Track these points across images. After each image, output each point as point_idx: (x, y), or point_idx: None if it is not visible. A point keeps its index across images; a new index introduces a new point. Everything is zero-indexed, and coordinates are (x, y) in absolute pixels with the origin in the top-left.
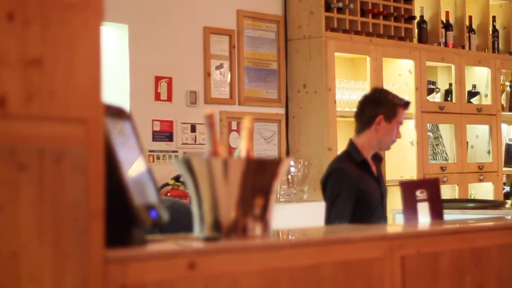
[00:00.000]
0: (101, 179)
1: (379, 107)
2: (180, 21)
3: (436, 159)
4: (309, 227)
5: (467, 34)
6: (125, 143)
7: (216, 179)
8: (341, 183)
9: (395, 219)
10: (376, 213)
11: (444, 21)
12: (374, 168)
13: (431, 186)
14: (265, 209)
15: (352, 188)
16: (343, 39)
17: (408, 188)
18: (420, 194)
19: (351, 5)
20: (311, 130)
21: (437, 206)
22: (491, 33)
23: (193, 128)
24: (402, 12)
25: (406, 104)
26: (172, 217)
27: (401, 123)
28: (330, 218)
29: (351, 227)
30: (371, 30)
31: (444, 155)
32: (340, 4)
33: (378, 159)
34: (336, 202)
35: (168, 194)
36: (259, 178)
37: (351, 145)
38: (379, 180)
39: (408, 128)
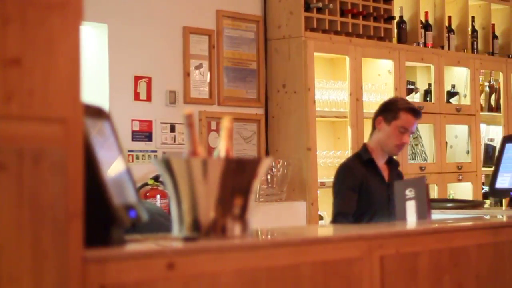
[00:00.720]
0: (80, 179)
1: (381, 108)
2: (159, 21)
3: (415, 159)
4: (288, 227)
5: (446, 35)
6: (104, 143)
7: (195, 179)
8: (344, 179)
9: None
10: (380, 213)
11: (424, 21)
12: (386, 173)
13: (418, 184)
14: (244, 209)
15: (355, 183)
16: (323, 39)
17: (400, 187)
18: (409, 192)
19: (331, 5)
20: (290, 130)
21: (425, 205)
22: (470, 33)
23: (172, 128)
24: (382, 12)
25: (409, 109)
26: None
27: (405, 129)
28: (334, 212)
29: (330, 227)
30: (350, 30)
31: (423, 155)
32: (320, 4)
33: (394, 164)
34: (339, 197)
35: (148, 194)
36: (238, 178)
37: (363, 147)
38: (389, 184)
39: None
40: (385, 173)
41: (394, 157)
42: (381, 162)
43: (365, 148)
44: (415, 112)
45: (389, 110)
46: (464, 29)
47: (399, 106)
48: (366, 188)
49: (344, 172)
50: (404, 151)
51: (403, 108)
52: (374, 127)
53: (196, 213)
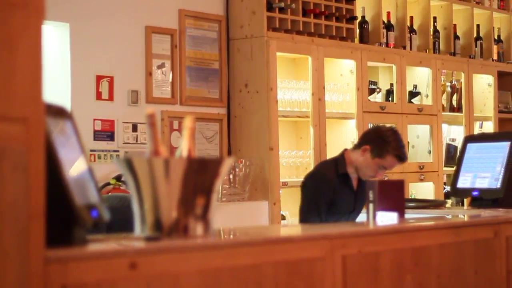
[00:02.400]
0: (42, 178)
1: (375, 139)
2: (121, 20)
3: None
4: (250, 227)
5: (408, 35)
6: (66, 142)
7: (158, 178)
8: (317, 188)
9: None
10: (341, 222)
11: (386, 22)
12: (356, 181)
13: (397, 186)
14: (206, 208)
15: (328, 194)
16: (285, 39)
17: (381, 187)
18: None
19: (293, 5)
20: (252, 130)
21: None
22: (432, 33)
23: (134, 128)
24: (344, 12)
25: (397, 156)
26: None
27: (385, 168)
28: (302, 217)
29: (293, 227)
30: (312, 30)
31: None
32: (282, 4)
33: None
34: (310, 204)
35: (109, 193)
36: (200, 177)
37: (342, 155)
38: (357, 195)
39: (349, 128)
40: (355, 181)
41: None
42: (354, 174)
43: (343, 157)
44: (402, 159)
45: (379, 147)
46: (426, 30)
47: (390, 150)
48: (334, 200)
49: (319, 182)
50: None
51: (393, 153)
52: (359, 146)
53: (158, 213)
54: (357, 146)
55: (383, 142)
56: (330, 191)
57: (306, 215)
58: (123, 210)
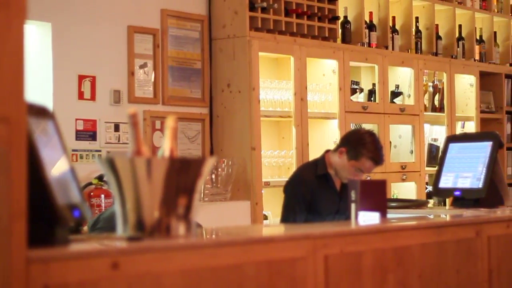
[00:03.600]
0: (23, 178)
1: (351, 142)
2: (104, 20)
3: None
4: (232, 227)
5: (391, 35)
6: (48, 142)
7: (140, 178)
8: (297, 191)
9: None
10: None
11: (368, 22)
12: (338, 183)
13: (379, 186)
14: (188, 208)
15: (306, 196)
16: (267, 39)
17: (363, 187)
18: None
19: (275, 5)
20: (235, 130)
21: (382, 205)
22: (414, 33)
23: (116, 127)
24: (326, 13)
25: (372, 159)
26: None
27: (361, 170)
28: (281, 219)
29: (275, 227)
30: (295, 30)
31: None
32: (264, 4)
33: None
34: (290, 207)
35: (92, 193)
36: (182, 177)
37: (323, 157)
38: (341, 196)
39: (331, 128)
40: (337, 182)
41: None
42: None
43: (323, 160)
44: (378, 162)
45: (354, 149)
46: (408, 30)
47: (364, 152)
48: (315, 202)
49: (299, 185)
50: None
51: (368, 156)
52: (338, 148)
53: (140, 213)
54: (336, 148)
55: (359, 144)
56: (308, 193)
57: (284, 217)
58: None
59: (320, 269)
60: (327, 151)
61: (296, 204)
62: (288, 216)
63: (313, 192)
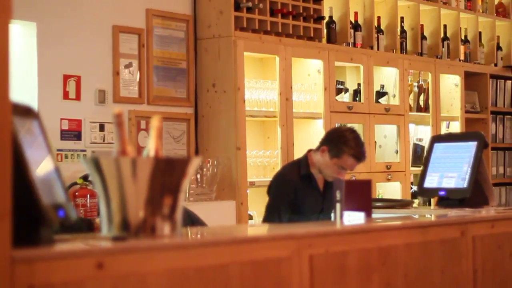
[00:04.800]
0: (8, 178)
1: (333, 140)
2: (89, 20)
3: None
4: (217, 226)
5: (376, 35)
6: (33, 142)
7: (125, 178)
8: (281, 191)
9: None
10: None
11: (353, 22)
12: (322, 182)
13: (364, 186)
14: (173, 208)
15: (290, 197)
16: (253, 39)
17: (348, 187)
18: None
19: (261, 5)
20: (220, 130)
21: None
22: (399, 33)
23: (101, 127)
24: (311, 12)
25: (354, 156)
26: None
27: (343, 168)
28: (263, 219)
29: (260, 227)
30: (280, 30)
31: None
32: (250, 4)
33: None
34: (273, 207)
35: (77, 193)
36: (167, 177)
37: (305, 156)
38: (324, 195)
39: (316, 128)
40: (320, 182)
41: None
42: (319, 175)
43: (306, 160)
44: (359, 159)
45: (335, 146)
46: (393, 30)
47: (346, 150)
48: (298, 202)
49: (283, 185)
50: None
51: (349, 153)
52: (320, 147)
53: (125, 213)
54: (318, 147)
55: (340, 142)
56: (292, 192)
57: (267, 217)
58: None
59: (305, 269)
60: (309, 151)
61: (280, 204)
62: (272, 216)
63: (297, 192)
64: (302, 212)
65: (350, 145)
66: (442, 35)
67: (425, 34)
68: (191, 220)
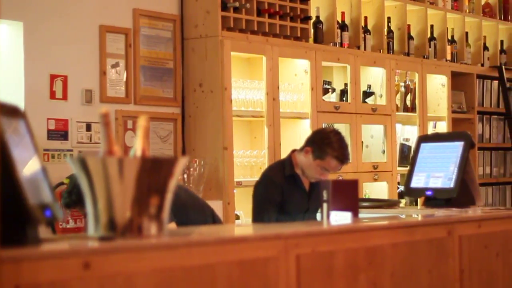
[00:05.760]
0: None
1: (316, 141)
2: (76, 19)
3: None
4: (204, 226)
5: (363, 35)
6: (19, 142)
7: (111, 178)
8: (267, 193)
9: None
10: (297, 221)
11: (340, 22)
12: (307, 183)
13: (351, 185)
14: (160, 208)
15: (276, 197)
16: (240, 39)
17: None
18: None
19: (248, 5)
20: (207, 130)
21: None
22: (386, 34)
23: (88, 127)
24: (298, 12)
25: (337, 158)
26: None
27: (326, 169)
28: (253, 220)
29: (247, 227)
30: (267, 30)
31: None
32: (237, 4)
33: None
34: (261, 209)
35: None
36: (154, 177)
37: (289, 157)
38: (310, 195)
39: (303, 128)
40: (306, 182)
41: None
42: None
43: (290, 160)
44: (343, 161)
45: (319, 148)
46: (380, 30)
47: (329, 151)
48: (284, 202)
49: (267, 185)
50: None
51: (332, 155)
52: (303, 147)
53: (112, 213)
54: (302, 147)
55: (324, 143)
56: (278, 193)
57: (255, 218)
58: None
59: (292, 269)
60: (293, 151)
61: (267, 205)
62: (260, 218)
63: (283, 193)
64: (288, 212)
65: (334, 147)
66: (429, 35)
67: (412, 34)
68: (213, 218)
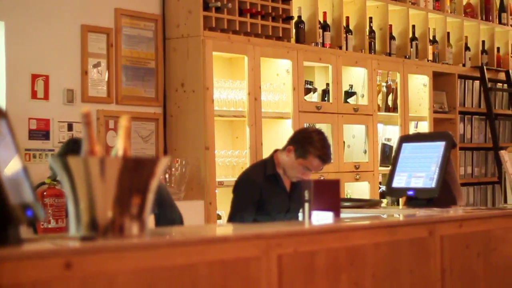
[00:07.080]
0: None
1: (299, 140)
2: (57, 19)
3: None
4: (186, 226)
5: (344, 35)
6: (0, 141)
7: (93, 178)
8: (245, 192)
9: None
10: (277, 221)
11: (322, 22)
12: (288, 183)
13: (332, 185)
14: (142, 208)
15: (255, 197)
16: (221, 39)
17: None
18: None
19: (229, 5)
20: (188, 129)
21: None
22: (368, 34)
23: (70, 127)
24: (280, 12)
25: (319, 157)
26: None
27: (308, 169)
28: (229, 219)
29: (229, 227)
30: (249, 30)
31: None
32: (218, 4)
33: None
34: (238, 208)
35: (45, 193)
36: (136, 177)
37: (271, 156)
38: (291, 195)
39: (285, 128)
40: (287, 182)
41: None
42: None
43: (272, 160)
44: (325, 160)
45: (301, 147)
46: (361, 30)
47: (311, 150)
48: (264, 201)
49: (247, 186)
50: None
51: (315, 154)
52: (286, 147)
53: (93, 213)
54: (284, 147)
55: (306, 143)
56: (257, 193)
57: (232, 217)
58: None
59: (274, 269)
60: (276, 151)
61: (245, 204)
62: (237, 217)
63: (263, 193)
64: (268, 212)
65: (316, 146)
66: (410, 35)
67: (393, 34)
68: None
